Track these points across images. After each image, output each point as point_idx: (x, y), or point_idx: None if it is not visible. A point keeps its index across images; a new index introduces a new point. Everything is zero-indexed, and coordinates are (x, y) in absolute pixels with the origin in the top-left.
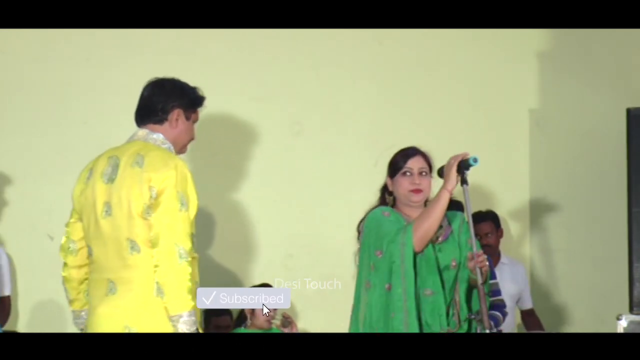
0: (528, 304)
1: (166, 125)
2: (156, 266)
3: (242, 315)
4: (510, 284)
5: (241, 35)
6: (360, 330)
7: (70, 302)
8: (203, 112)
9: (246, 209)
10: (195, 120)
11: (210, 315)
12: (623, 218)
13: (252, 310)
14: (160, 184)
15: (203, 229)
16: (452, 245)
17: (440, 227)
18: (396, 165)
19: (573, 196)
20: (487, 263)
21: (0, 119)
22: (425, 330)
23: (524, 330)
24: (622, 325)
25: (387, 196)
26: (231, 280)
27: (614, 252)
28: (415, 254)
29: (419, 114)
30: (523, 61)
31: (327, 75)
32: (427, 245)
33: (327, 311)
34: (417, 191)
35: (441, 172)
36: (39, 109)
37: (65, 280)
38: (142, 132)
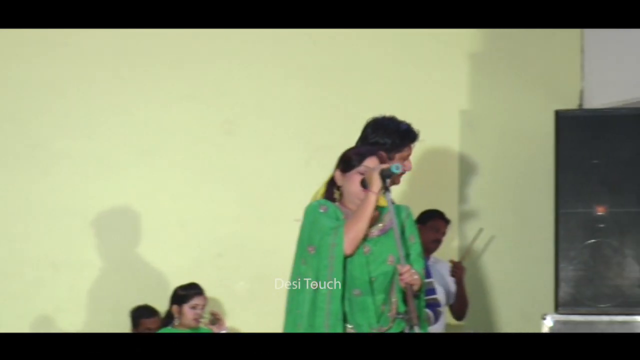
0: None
1: None
2: None
3: (169, 315)
4: (437, 285)
5: (173, 33)
6: (291, 326)
7: None
8: (134, 111)
9: (176, 208)
10: (404, 157)
11: (140, 317)
12: (550, 219)
13: (180, 310)
14: None
15: (132, 228)
16: (390, 240)
17: (381, 221)
18: (351, 162)
19: (502, 197)
20: (417, 277)
21: None
22: (356, 330)
23: (453, 330)
24: (547, 325)
25: (334, 190)
26: (160, 279)
27: (541, 252)
28: (345, 255)
29: (351, 114)
30: (454, 62)
31: (259, 74)
32: (359, 247)
33: (256, 310)
34: None
35: (364, 183)
36: None
37: None
38: None
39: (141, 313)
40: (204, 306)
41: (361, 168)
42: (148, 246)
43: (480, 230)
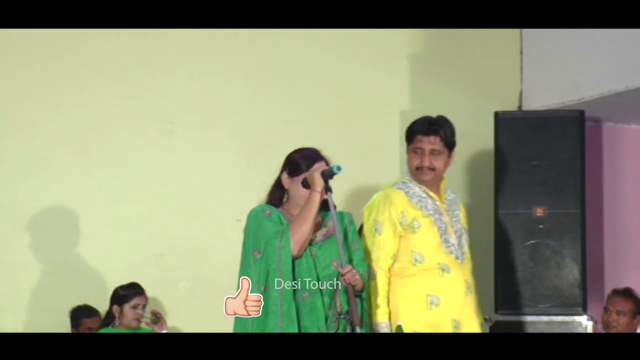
0: None
1: None
2: None
3: (110, 315)
4: None
5: (114, 33)
6: (240, 330)
7: None
8: (74, 110)
9: (117, 207)
10: (414, 148)
11: (80, 317)
12: (490, 220)
13: (121, 310)
14: None
15: (72, 228)
16: (333, 245)
17: (324, 226)
18: (299, 166)
19: None
20: (358, 277)
21: None
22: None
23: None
24: (487, 326)
25: (279, 192)
26: (100, 279)
27: (481, 253)
28: (293, 257)
29: (291, 115)
30: (394, 63)
31: (199, 74)
32: (305, 248)
33: (197, 310)
34: None
35: (305, 184)
36: None
37: None
38: None
39: (81, 313)
40: (144, 306)
41: (309, 173)
42: (88, 246)
43: None
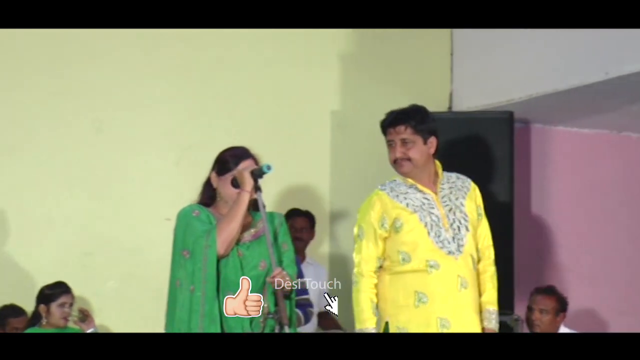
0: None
1: None
2: None
3: (36, 314)
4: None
5: (42, 30)
6: (169, 328)
7: None
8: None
9: (44, 206)
10: (388, 142)
11: (6, 317)
12: None
13: (47, 309)
14: None
15: None
16: (262, 245)
17: (254, 226)
18: (226, 164)
19: None
20: (288, 277)
21: None
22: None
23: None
24: None
25: (210, 192)
26: (27, 279)
27: None
28: (218, 257)
29: (221, 114)
30: (325, 63)
31: (128, 72)
32: (232, 247)
33: (125, 310)
34: None
35: (235, 183)
36: None
37: None
38: None
39: (7, 312)
40: (71, 304)
41: (236, 172)
42: (14, 245)
43: None
